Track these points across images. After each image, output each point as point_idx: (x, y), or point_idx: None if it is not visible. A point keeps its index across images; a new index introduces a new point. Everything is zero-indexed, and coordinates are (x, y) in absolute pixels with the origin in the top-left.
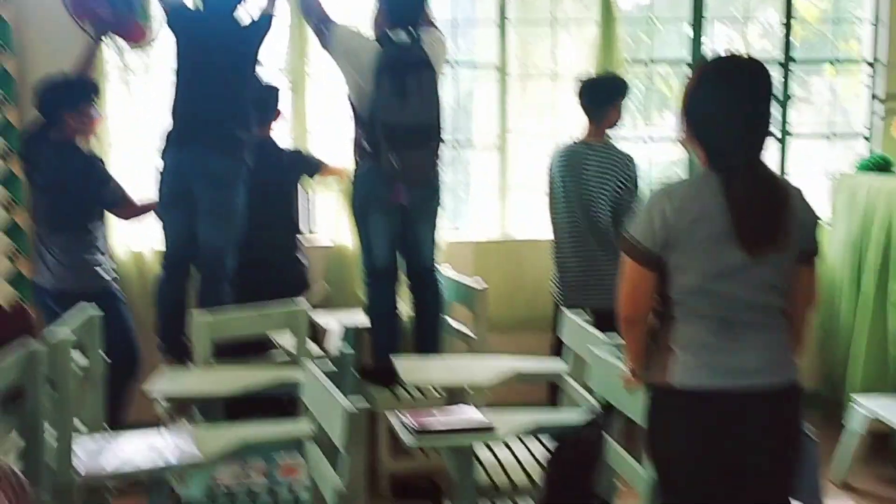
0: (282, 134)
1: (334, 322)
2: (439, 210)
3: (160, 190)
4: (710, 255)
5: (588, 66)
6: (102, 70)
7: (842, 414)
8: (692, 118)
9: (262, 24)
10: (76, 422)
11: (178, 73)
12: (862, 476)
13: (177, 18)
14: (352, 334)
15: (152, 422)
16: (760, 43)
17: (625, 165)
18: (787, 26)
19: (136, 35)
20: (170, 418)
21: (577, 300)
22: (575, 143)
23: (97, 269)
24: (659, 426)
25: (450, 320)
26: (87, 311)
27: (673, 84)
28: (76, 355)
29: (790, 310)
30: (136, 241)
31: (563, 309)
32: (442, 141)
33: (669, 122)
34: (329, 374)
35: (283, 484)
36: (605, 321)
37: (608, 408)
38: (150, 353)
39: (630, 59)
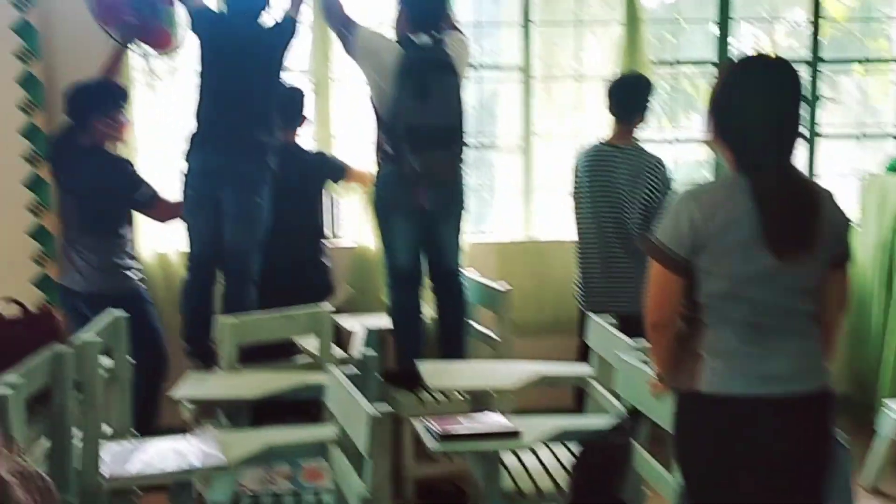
0: (306, 138)
1: (358, 325)
2: (463, 213)
3: (185, 193)
4: (740, 260)
5: (613, 68)
6: (128, 75)
7: (872, 418)
8: (720, 119)
9: (287, 27)
10: (103, 425)
11: (202, 76)
12: (893, 481)
13: (201, 22)
14: (375, 337)
15: (178, 426)
16: (787, 42)
17: (656, 169)
18: (815, 25)
19: (162, 41)
20: (195, 422)
21: (601, 305)
22: (602, 144)
23: (127, 272)
24: (687, 433)
25: (474, 324)
26: (114, 314)
27: (699, 85)
28: (103, 359)
29: (821, 315)
30: (161, 243)
31: (589, 313)
32: (465, 143)
33: (695, 124)
34: (353, 378)
35: (308, 489)
36: (630, 326)
37: (635, 413)
38: (177, 356)
39: (655, 59)
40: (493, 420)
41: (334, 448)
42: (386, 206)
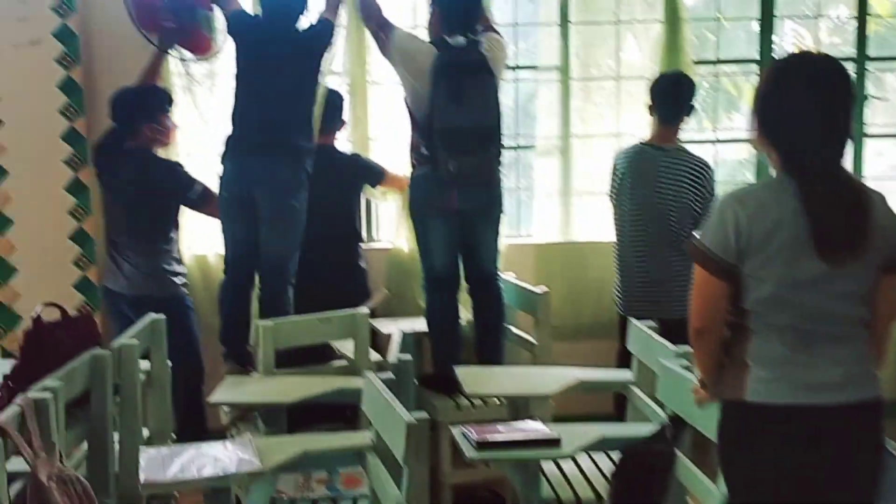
0: (342, 141)
1: (395, 329)
2: (500, 215)
3: (220, 196)
4: (787, 264)
5: (652, 67)
6: (168, 80)
7: None
8: (765, 119)
9: (324, 31)
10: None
11: (239, 79)
12: None
13: (237, 25)
14: (411, 342)
15: (216, 429)
16: (831, 39)
17: (702, 171)
18: (860, 21)
19: (202, 47)
20: (233, 426)
21: (642, 310)
22: (644, 145)
23: (174, 278)
24: (732, 443)
25: (511, 327)
26: (152, 318)
27: (741, 84)
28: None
29: (871, 321)
30: (200, 245)
31: (631, 319)
32: (501, 145)
33: (736, 123)
34: (389, 383)
35: (345, 495)
36: (673, 331)
37: (678, 421)
38: (216, 360)
39: (695, 58)
40: (533, 428)
41: (371, 454)
42: (422, 208)
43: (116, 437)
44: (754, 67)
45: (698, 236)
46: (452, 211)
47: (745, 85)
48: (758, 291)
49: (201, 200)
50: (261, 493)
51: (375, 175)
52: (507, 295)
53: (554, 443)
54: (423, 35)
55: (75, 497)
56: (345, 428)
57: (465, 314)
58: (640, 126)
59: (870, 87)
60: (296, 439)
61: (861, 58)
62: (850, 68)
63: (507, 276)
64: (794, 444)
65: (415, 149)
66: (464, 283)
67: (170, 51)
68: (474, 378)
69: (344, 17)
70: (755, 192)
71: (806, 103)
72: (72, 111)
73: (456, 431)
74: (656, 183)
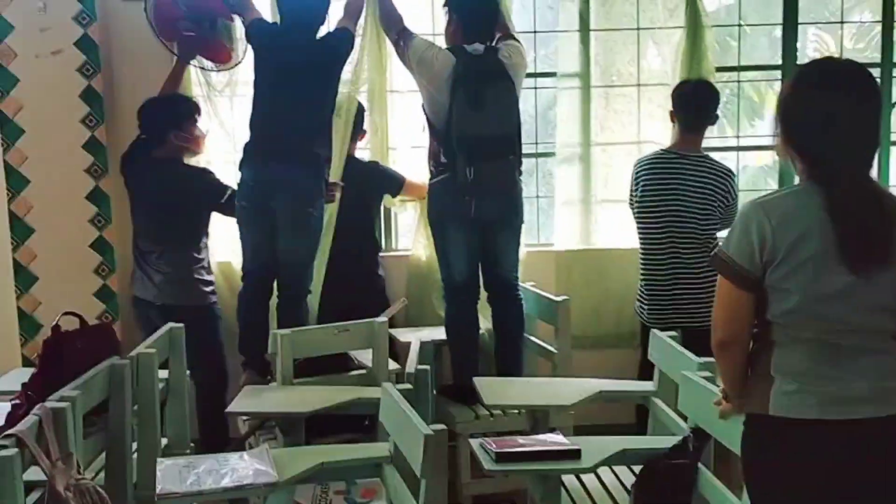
0: (363, 150)
1: (414, 339)
2: (520, 223)
3: (239, 204)
4: (814, 275)
5: (674, 74)
6: (188, 89)
7: None
8: (790, 126)
9: (343, 40)
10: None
11: (258, 87)
12: None
13: (257, 33)
14: (430, 351)
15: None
16: (854, 45)
17: (727, 179)
18: (885, 27)
19: (222, 56)
20: (251, 436)
21: (666, 319)
22: (667, 152)
23: (205, 287)
24: (757, 458)
25: (531, 336)
26: (170, 326)
27: (763, 91)
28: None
29: None
30: (223, 252)
31: (653, 329)
32: (521, 153)
33: (759, 130)
34: (407, 394)
35: None
36: (695, 341)
37: (700, 433)
38: (236, 369)
39: (717, 65)
40: (553, 440)
41: (389, 466)
42: (441, 217)
43: (135, 446)
44: (777, 74)
45: (722, 246)
46: (472, 219)
47: (768, 92)
48: (783, 303)
49: (232, 205)
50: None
51: (394, 184)
52: (527, 303)
53: (574, 455)
54: (442, 43)
55: None
56: (363, 438)
57: (485, 323)
58: (661, 133)
59: (895, 94)
60: (313, 450)
61: (886, 63)
62: (875, 74)
63: (527, 284)
64: (820, 459)
65: (434, 157)
66: (483, 292)
67: (190, 60)
68: (494, 388)
69: (364, 26)
70: (780, 201)
71: (832, 110)
72: (93, 120)
73: (475, 444)
74: (682, 191)
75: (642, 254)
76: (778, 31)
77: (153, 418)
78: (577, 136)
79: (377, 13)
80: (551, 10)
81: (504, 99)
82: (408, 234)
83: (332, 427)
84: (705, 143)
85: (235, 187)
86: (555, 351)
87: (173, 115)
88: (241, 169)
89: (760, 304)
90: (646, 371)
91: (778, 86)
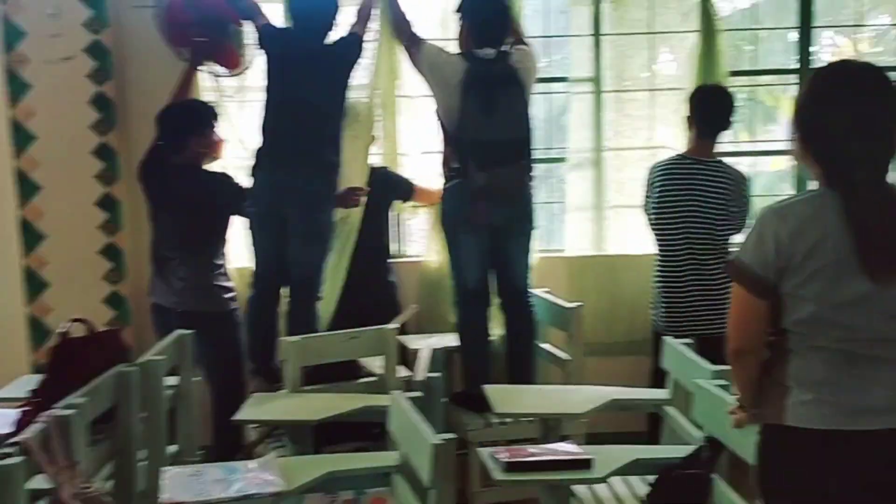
0: (373, 155)
1: (425, 346)
2: (532, 229)
3: (250, 210)
4: (831, 283)
5: (687, 79)
6: (199, 95)
7: None
8: (806, 131)
9: (353, 44)
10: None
11: (269, 92)
12: None
13: (267, 38)
14: (441, 358)
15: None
16: (871, 49)
17: (741, 183)
18: None
19: (232, 61)
20: (259, 444)
21: (682, 326)
22: (683, 157)
23: (225, 294)
24: (773, 468)
25: (543, 344)
26: (179, 333)
27: (778, 95)
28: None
29: None
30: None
31: (666, 336)
32: (532, 158)
33: (774, 135)
34: (416, 401)
35: None
36: (709, 348)
37: (714, 443)
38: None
39: (732, 69)
40: (564, 449)
41: (397, 475)
42: (453, 222)
43: (143, 454)
44: (792, 78)
45: (737, 253)
46: (484, 225)
47: (783, 96)
48: (798, 311)
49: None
50: None
51: (405, 189)
52: (539, 310)
53: (585, 465)
54: (454, 48)
55: None
56: (373, 446)
57: (497, 330)
58: (674, 138)
59: None
60: (321, 459)
61: None
62: (893, 78)
63: (538, 290)
64: (837, 470)
65: (446, 162)
66: (495, 299)
67: (201, 66)
68: (505, 396)
69: (375, 31)
70: (796, 207)
71: (849, 114)
72: (103, 126)
73: (484, 453)
74: (699, 196)
75: (658, 260)
76: (793, 35)
77: (161, 426)
78: (590, 141)
79: (388, 18)
80: (563, 15)
81: (515, 104)
82: (419, 240)
83: (341, 435)
84: (720, 148)
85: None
86: (567, 358)
87: (193, 121)
88: (252, 175)
89: (776, 312)
90: (658, 378)
91: (793, 90)
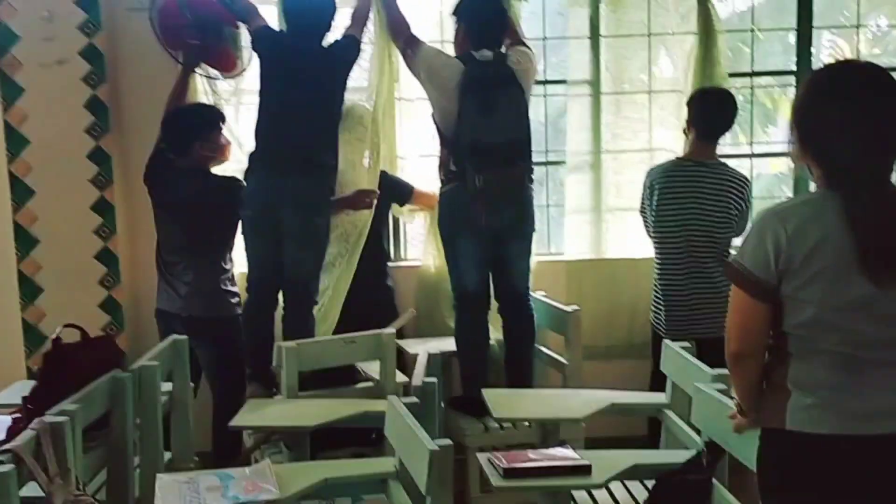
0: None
1: (422, 351)
2: (531, 232)
3: (245, 214)
4: (832, 286)
5: (686, 81)
6: (194, 98)
7: None
8: (806, 131)
9: (349, 47)
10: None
11: (263, 95)
12: None
13: (262, 41)
14: (438, 363)
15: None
16: (870, 50)
17: (744, 186)
18: None
19: (227, 64)
20: (256, 450)
21: (682, 329)
22: (683, 159)
23: (231, 299)
24: (773, 473)
25: (542, 347)
26: (173, 338)
27: (776, 97)
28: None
29: None
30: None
31: (666, 339)
32: (531, 160)
33: (773, 137)
34: (413, 407)
35: None
36: (711, 352)
37: (714, 447)
38: None
39: (730, 71)
40: (563, 454)
41: (394, 482)
42: (452, 226)
43: (137, 461)
44: (791, 80)
45: (736, 255)
46: (482, 228)
47: (782, 98)
48: (799, 314)
49: None
50: None
51: (403, 193)
52: (538, 313)
53: (584, 471)
54: (451, 51)
55: None
56: (370, 451)
57: (495, 334)
58: (673, 141)
59: None
60: (317, 465)
61: None
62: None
63: (537, 294)
64: (839, 475)
65: (444, 165)
66: (494, 302)
67: (196, 69)
68: (504, 401)
69: (372, 33)
70: (796, 209)
71: (850, 114)
72: (98, 130)
73: (483, 458)
74: (701, 199)
75: (659, 263)
76: (792, 37)
77: (156, 432)
78: (588, 144)
79: (385, 21)
80: (561, 17)
81: (513, 105)
82: (417, 243)
83: (338, 440)
84: (718, 151)
85: None
86: (565, 362)
87: (198, 125)
88: (246, 178)
89: (776, 315)
90: (657, 382)
91: (792, 92)
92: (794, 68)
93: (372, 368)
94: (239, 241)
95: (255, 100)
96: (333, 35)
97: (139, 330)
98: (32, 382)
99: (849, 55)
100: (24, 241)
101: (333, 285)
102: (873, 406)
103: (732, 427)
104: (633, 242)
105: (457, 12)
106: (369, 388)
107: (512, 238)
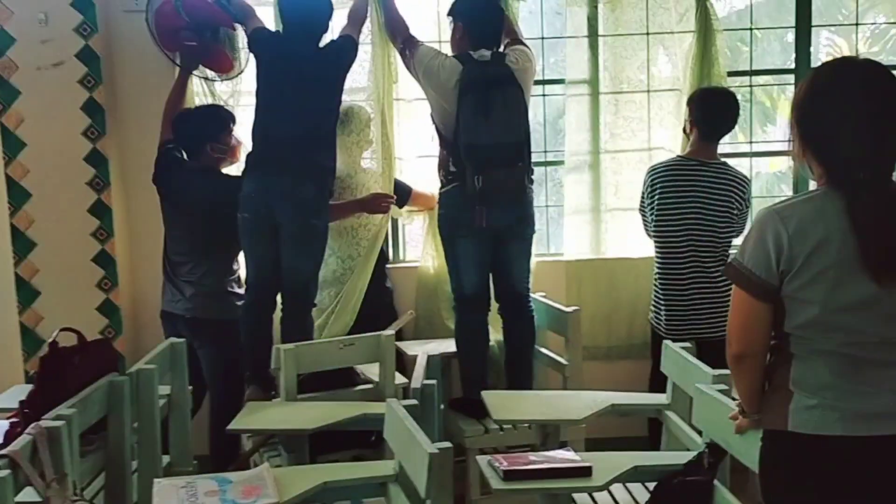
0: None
1: (421, 352)
2: (531, 233)
3: (242, 216)
4: (834, 286)
5: (685, 80)
6: (191, 100)
7: None
8: (807, 130)
9: (346, 48)
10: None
11: (260, 96)
12: None
13: (259, 42)
14: (438, 365)
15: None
16: (868, 49)
17: (744, 186)
18: None
19: (224, 65)
20: (255, 453)
21: (682, 328)
22: (686, 159)
23: (236, 301)
24: (776, 475)
25: (542, 348)
26: (171, 341)
27: (775, 95)
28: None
29: None
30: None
31: (666, 339)
32: (531, 160)
33: (772, 136)
34: (412, 409)
35: None
36: (711, 352)
37: (715, 448)
38: None
39: (729, 69)
40: (563, 456)
41: (394, 485)
42: (451, 227)
43: (135, 465)
44: (789, 78)
45: (737, 255)
46: (482, 229)
47: (780, 97)
48: (801, 314)
49: None
50: None
51: (401, 194)
52: (537, 314)
53: (585, 473)
54: (448, 51)
55: None
56: (370, 454)
57: (495, 335)
58: (671, 140)
59: None
60: (316, 469)
61: None
62: None
63: (537, 294)
64: (842, 477)
65: (443, 166)
66: (494, 303)
67: (193, 70)
68: (503, 402)
69: (370, 34)
70: (797, 208)
71: (851, 111)
72: (95, 132)
73: (483, 461)
74: (703, 198)
75: (660, 262)
76: (790, 35)
77: (154, 436)
78: (587, 143)
79: (383, 21)
80: (559, 17)
81: (512, 105)
82: (416, 245)
83: (337, 443)
84: (717, 150)
85: None
86: (565, 362)
87: (209, 127)
88: (243, 180)
89: (777, 315)
90: (657, 382)
91: (790, 90)
92: (793, 67)
93: (371, 371)
94: None
95: (253, 101)
96: (330, 36)
97: (137, 333)
98: (30, 386)
99: (847, 53)
100: (22, 244)
101: (348, 288)
102: (876, 407)
103: (734, 428)
104: (633, 242)
105: (452, 12)
106: (368, 391)
107: (512, 239)
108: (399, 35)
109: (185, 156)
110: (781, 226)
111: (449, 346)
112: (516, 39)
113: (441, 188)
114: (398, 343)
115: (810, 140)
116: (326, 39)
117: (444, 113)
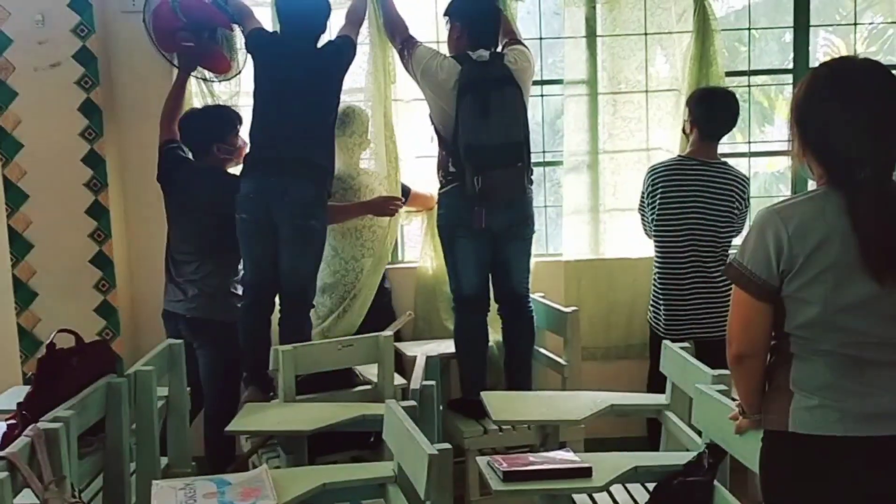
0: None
1: (420, 353)
2: (531, 233)
3: (240, 217)
4: (834, 285)
5: (683, 80)
6: (189, 100)
7: None
8: (807, 129)
9: (344, 48)
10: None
11: (258, 97)
12: None
13: (257, 43)
14: (437, 366)
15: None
16: (866, 49)
17: (744, 186)
18: None
19: (222, 66)
20: (253, 455)
21: (682, 329)
22: (687, 159)
23: (237, 303)
24: (776, 476)
25: (541, 349)
26: (169, 342)
27: (773, 95)
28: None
29: None
30: None
31: (665, 339)
32: (530, 160)
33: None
34: (411, 410)
35: None
36: (711, 352)
37: (715, 448)
38: None
39: (727, 69)
40: (563, 457)
41: (393, 486)
42: (451, 227)
43: (133, 467)
44: (787, 78)
45: (736, 255)
46: (481, 229)
47: (778, 97)
48: (801, 315)
49: None
50: None
51: (401, 194)
52: (536, 315)
53: (585, 474)
54: (447, 51)
55: None
56: (369, 455)
57: (494, 336)
58: (670, 140)
59: None
60: (315, 471)
61: None
62: None
63: (536, 295)
64: (843, 477)
65: (442, 166)
66: (493, 304)
67: (191, 71)
68: (502, 403)
69: (368, 34)
70: (797, 207)
71: (850, 111)
72: (92, 133)
73: (482, 462)
74: (704, 198)
75: (660, 262)
76: (788, 35)
77: (152, 438)
78: (585, 144)
79: (381, 22)
80: (557, 17)
81: (511, 105)
82: (415, 245)
83: (336, 444)
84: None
85: None
86: (564, 363)
87: (216, 127)
88: (241, 181)
89: (778, 316)
90: (656, 382)
91: (788, 90)
92: (791, 67)
93: (370, 371)
94: None
95: (251, 102)
96: (328, 36)
97: (135, 334)
98: (28, 388)
99: (845, 53)
100: (19, 245)
101: (357, 289)
102: (877, 407)
103: (734, 428)
104: (632, 242)
105: (449, 12)
106: (367, 392)
107: (512, 239)
108: (398, 35)
109: (190, 155)
110: (782, 226)
111: (448, 346)
112: (515, 39)
113: (440, 189)
114: (397, 344)
115: (810, 140)
116: (324, 40)
117: (442, 113)
